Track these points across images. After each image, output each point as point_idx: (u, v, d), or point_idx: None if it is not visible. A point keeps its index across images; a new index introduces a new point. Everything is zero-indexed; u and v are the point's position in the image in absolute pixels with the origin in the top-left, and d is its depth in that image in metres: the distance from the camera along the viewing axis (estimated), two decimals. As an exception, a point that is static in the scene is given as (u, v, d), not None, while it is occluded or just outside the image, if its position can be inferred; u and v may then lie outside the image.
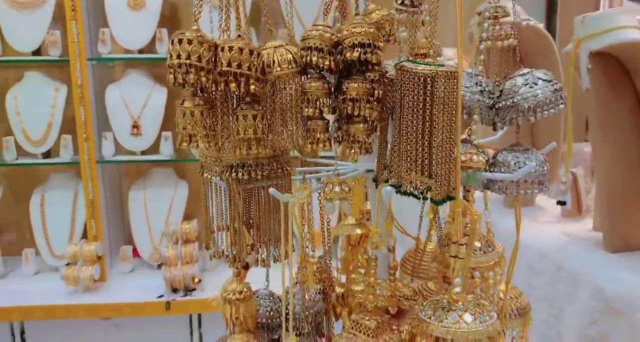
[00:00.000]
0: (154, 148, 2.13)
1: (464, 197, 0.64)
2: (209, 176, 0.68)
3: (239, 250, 0.68)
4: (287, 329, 0.65)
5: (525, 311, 0.75)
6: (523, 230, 0.70)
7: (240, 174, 0.62)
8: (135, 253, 2.26)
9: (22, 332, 2.02)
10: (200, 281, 2.08)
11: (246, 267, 0.71)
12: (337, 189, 0.61)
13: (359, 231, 0.69)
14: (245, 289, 0.70)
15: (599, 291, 1.02)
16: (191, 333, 2.08)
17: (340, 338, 0.59)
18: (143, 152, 2.14)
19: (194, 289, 2.04)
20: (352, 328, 0.57)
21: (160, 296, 2.00)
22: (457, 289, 0.55)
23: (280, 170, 0.66)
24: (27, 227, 2.21)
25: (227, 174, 0.62)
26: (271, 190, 0.60)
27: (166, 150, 2.10)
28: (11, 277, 2.16)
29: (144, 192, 2.23)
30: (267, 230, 0.70)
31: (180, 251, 2.04)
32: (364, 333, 0.56)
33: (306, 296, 0.70)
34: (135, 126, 2.08)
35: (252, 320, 0.71)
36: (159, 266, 2.25)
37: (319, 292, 0.75)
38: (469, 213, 0.64)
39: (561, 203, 1.30)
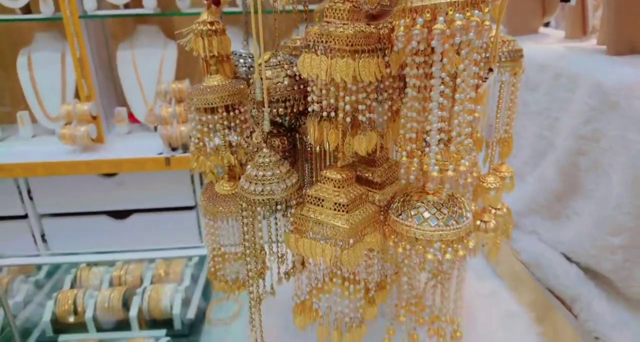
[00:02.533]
0: (137, 1, 2.00)
1: None
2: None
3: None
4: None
5: (517, 55, 0.73)
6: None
7: None
8: (131, 118, 2.25)
9: (29, 191, 2.09)
10: (197, 141, 2.08)
11: (217, 2, 0.65)
12: None
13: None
14: (217, 23, 0.65)
15: (597, 86, 0.99)
16: (193, 187, 2.14)
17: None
18: (126, 6, 2.01)
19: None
20: (327, 16, 0.53)
21: (160, 154, 2.02)
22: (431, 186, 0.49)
23: None
24: (19, 92, 2.16)
25: None
26: None
27: (149, 3, 1.97)
28: (9, 141, 2.17)
29: (132, 52, 2.14)
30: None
31: (174, 110, 2.02)
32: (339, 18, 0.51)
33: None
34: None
35: (229, 66, 0.68)
36: (155, 128, 2.26)
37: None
38: None
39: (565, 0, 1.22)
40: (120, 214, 2.18)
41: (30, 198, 2.10)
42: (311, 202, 0.52)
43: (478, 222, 0.72)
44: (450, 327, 0.49)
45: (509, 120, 0.83)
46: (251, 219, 0.56)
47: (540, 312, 0.93)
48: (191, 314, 1.08)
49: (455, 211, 0.44)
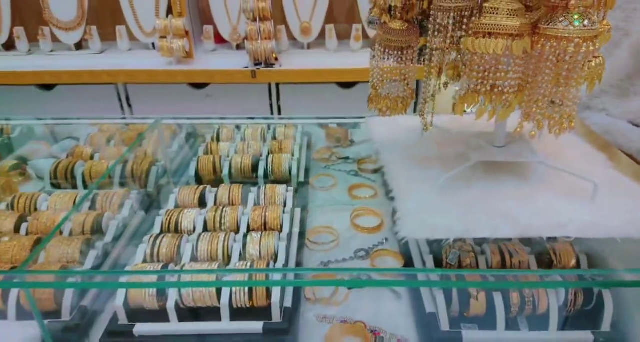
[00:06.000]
0: None
1: None
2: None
3: None
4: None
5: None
6: None
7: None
8: (216, 39, 2.45)
9: (127, 98, 2.36)
10: (277, 58, 2.28)
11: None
12: None
13: None
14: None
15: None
16: (270, 102, 2.37)
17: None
18: None
19: (273, 64, 2.26)
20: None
21: (245, 67, 2.23)
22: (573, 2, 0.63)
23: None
24: (117, 8, 2.38)
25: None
26: None
27: None
28: (109, 53, 2.42)
29: (219, -27, 2.31)
30: None
31: (259, 27, 2.20)
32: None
33: None
34: None
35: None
36: (238, 47, 2.46)
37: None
38: None
39: None
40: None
41: (129, 105, 2.38)
42: (488, 12, 0.68)
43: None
44: (567, 121, 0.67)
45: None
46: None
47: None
48: (301, 178, 1.34)
49: (590, 19, 0.62)
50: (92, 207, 1.16)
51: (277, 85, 2.32)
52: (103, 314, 0.92)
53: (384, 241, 1.12)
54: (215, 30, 2.41)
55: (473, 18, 0.66)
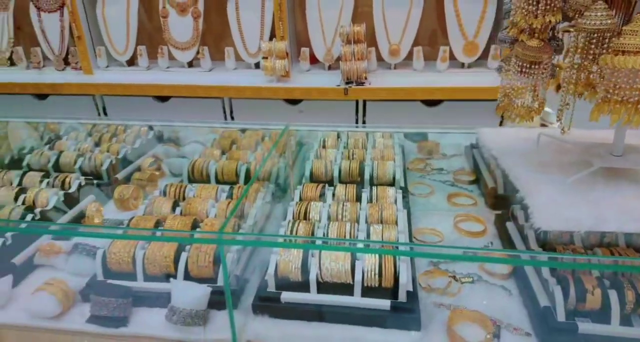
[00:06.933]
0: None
1: None
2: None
3: None
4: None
5: None
6: None
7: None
8: (310, 60, 2.68)
9: (231, 111, 2.63)
10: (366, 77, 2.46)
11: None
12: None
13: None
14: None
15: None
16: (356, 117, 2.54)
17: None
18: (321, -41, 2.40)
19: (363, 82, 2.44)
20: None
21: (337, 85, 2.43)
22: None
23: None
24: (227, 33, 2.68)
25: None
26: None
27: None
28: (216, 71, 2.73)
29: (318, 1, 2.55)
30: None
31: (353, 49, 2.40)
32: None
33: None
34: None
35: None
36: (329, 68, 2.68)
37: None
38: None
39: None
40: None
41: (232, 117, 2.65)
42: (628, 33, 0.78)
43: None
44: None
45: None
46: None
47: None
48: (402, 183, 1.47)
49: None
50: (228, 196, 1.36)
51: (365, 101, 2.50)
52: (250, 283, 1.10)
53: (490, 244, 1.22)
54: (310, 51, 2.64)
55: (613, 38, 0.77)
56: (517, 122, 0.90)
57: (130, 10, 2.67)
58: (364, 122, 2.56)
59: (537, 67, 0.84)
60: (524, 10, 0.81)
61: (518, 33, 0.86)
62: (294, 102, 2.57)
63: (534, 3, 0.80)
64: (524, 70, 0.84)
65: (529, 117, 0.89)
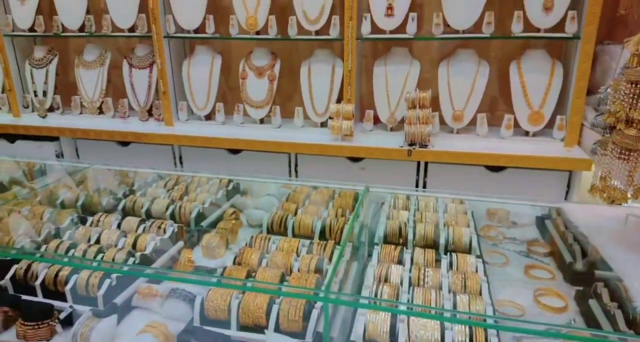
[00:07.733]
0: (401, 27, 2.57)
1: None
2: None
3: None
4: None
5: None
6: None
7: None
8: (373, 121, 2.81)
9: (296, 165, 2.77)
10: (430, 140, 2.55)
11: None
12: None
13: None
14: None
15: None
16: (417, 177, 2.60)
17: None
18: (391, 31, 2.59)
19: (426, 145, 2.52)
20: None
21: (400, 146, 2.53)
22: None
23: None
24: (297, 94, 2.89)
25: None
26: None
27: (410, 29, 2.52)
28: (284, 128, 2.91)
29: (385, 68, 2.72)
30: None
31: (418, 113, 2.52)
32: None
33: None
34: (390, 7, 2.52)
35: None
36: (391, 129, 2.79)
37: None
38: None
39: None
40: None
41: (296, 171, 2.78)
42: None
43: None
44: None
45: None
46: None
47: None
48: (477, 252, 1.49)
49: None
50: (309, 251, 1.43)
51: (426, 163, 2.57)
52: (334, 340, 1.13)
53: (573, 321, 1.21)
54: (374, 113, 2.78)
55: None
56: (609, 204, 0.94)
57: (213, 71, 2.94)
58: (424, 183, 2.62)
59: (634, 154, 0.89)
60: (623, 102, 0.88)
61: (616, 121, 0.92)
62: (355, 159, 2.68)
63: (635, 97, 0.87)
64: (622, 156, 0.90)
65: (623, 200, 0.93)
